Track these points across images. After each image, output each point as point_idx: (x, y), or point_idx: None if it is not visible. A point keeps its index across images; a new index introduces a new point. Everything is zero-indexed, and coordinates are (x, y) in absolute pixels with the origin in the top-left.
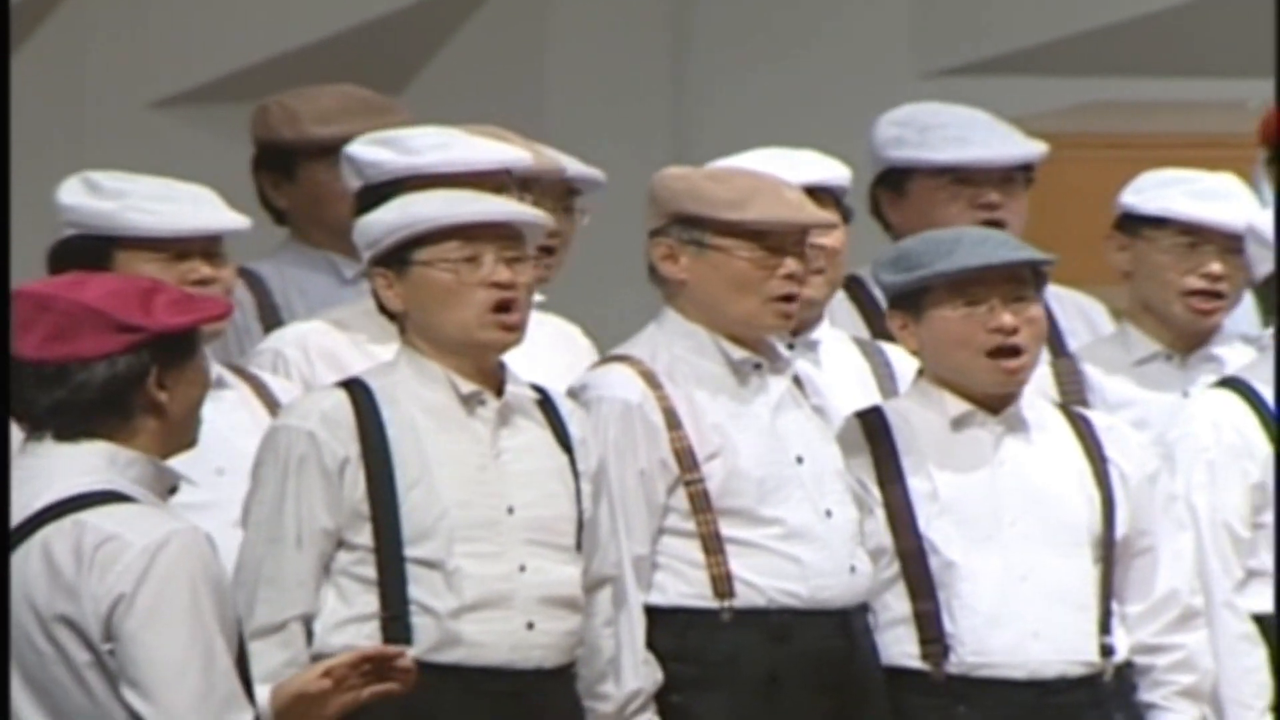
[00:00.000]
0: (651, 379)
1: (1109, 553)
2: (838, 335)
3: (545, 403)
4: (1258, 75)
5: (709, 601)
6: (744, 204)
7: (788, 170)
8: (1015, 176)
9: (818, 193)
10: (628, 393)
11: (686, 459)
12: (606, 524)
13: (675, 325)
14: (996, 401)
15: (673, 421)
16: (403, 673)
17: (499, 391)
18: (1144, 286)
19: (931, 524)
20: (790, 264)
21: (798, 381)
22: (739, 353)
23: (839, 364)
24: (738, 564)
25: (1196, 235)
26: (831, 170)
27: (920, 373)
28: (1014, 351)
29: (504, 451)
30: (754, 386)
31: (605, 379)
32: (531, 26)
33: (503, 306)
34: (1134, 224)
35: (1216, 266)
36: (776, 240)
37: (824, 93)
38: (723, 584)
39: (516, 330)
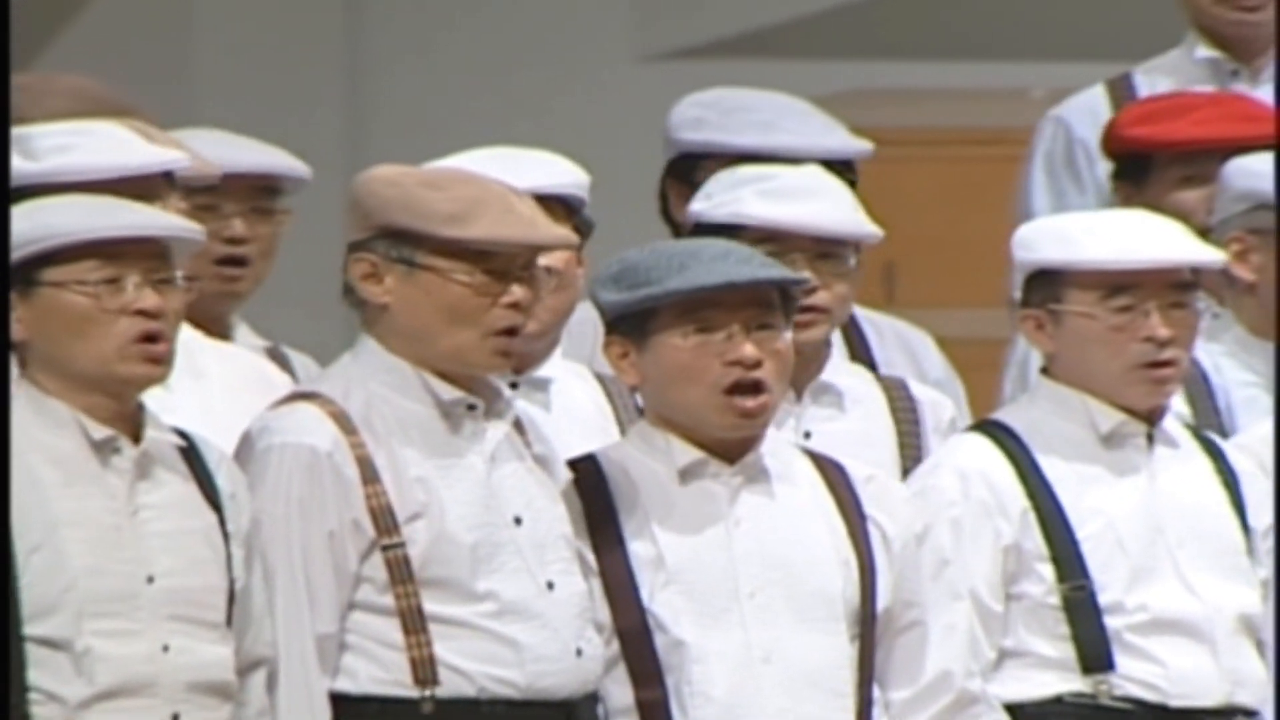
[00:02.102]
0: (344, 422)
1: (869, 628)
2: (575, 370)
3: (190, 450)
4: (1041, 59)
5: (408, 689)
6: (466, 218)
7: (512, 174)
8: (834, 171)
9: (549, 202)
10: (315, 438)
11: (384, 519)
12: (260, 595)
13: (374, 358)
14: (732, 448)
15: (369, 474)
16: None
17: (137, 437)
18: None
19: (656, 596)
20: (516, 291)
21: (519, 427)
22: (449, 392)
23: (574, 405)
24: (443, 646)
25: (777, 242)
26: (565, 175)
27: (641, 413)
28: (754, 388)
29: (142, 509)
30: (467, 433)
31: (288, 421)
32: None
33: (148, 337)
34: (706, 235)
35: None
36: (502, 263)
37: (520, 72)
38: (425, 669)
39: (163, 364)
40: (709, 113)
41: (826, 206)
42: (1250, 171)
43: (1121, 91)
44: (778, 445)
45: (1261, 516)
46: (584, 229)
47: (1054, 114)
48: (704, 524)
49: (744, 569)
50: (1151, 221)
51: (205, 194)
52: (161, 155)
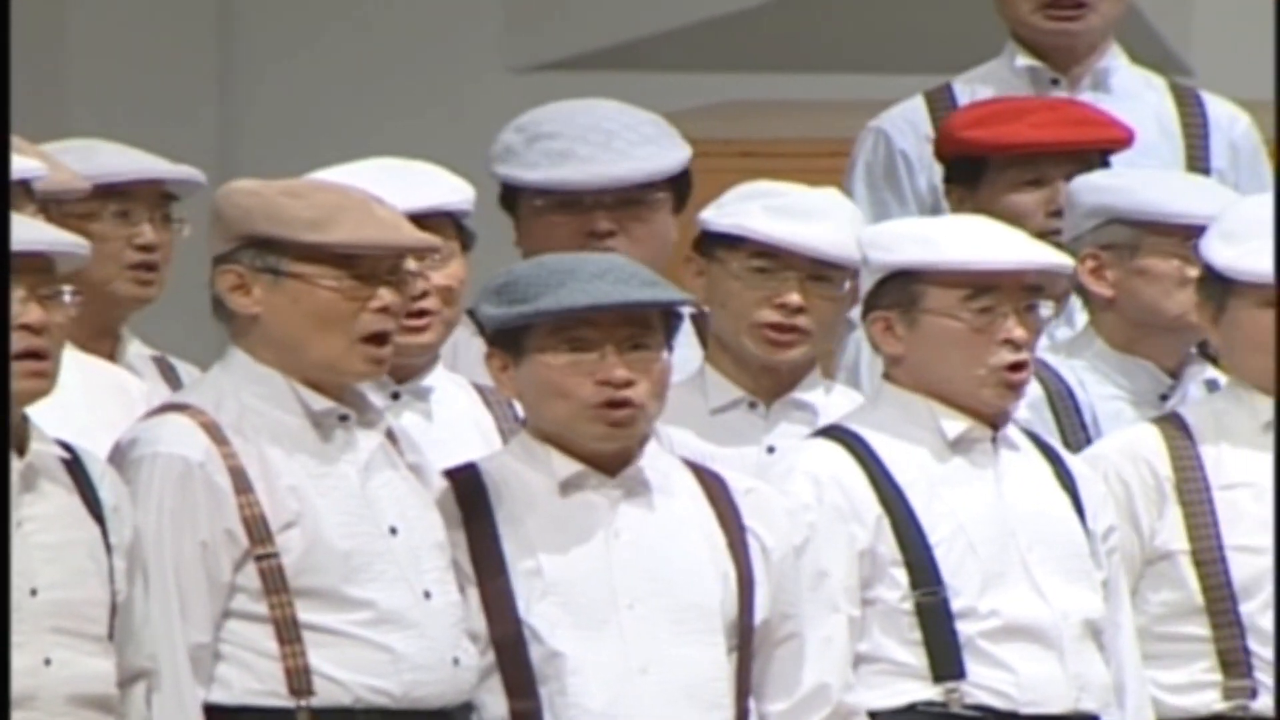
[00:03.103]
0: (216, 433)
1: (746, 640)
2: (457, 381)
3: (74, 463)
4: (912, 72)
5: (283, 699)
6: (327, 224)
7: (391, 190)
8: (641, 198)
9: (437, 217)
10: (187, 449)
11: (258, 529)
12: (142, 607)
13: (245, 369)
14: (612, 460)
15: (242, 484)
16: None
17: (21, 450)
18: (716, 318)
19: (533, 607)
20: (384, 295)
21: (391, 437)
22: (321, 402)
23: (455, 415)
24: (318, 655)
25: (774, 259)
26: (447, 190)
27: (524, 424)
28: (625, 406)
29: (26, 521)
30: (339, 443)
31: (159, 432)
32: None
33: (34, 353)
34: (710, 244)
35: (795, 297)
36: (369, 267)
37: (392, 81)
38: (300, 678)
39: (48, 378)
40: (517, 140)
41: (827, 229)
42: (1098, 187)
43: (941, 102)
44: (658, 458)
45: (1100, 519)
46: (468, 242)
47: (873, 125)
48: (583, 535)
49: (622, 580)
50: (999, 226)
51: (118, 200)
52: (17, 164)
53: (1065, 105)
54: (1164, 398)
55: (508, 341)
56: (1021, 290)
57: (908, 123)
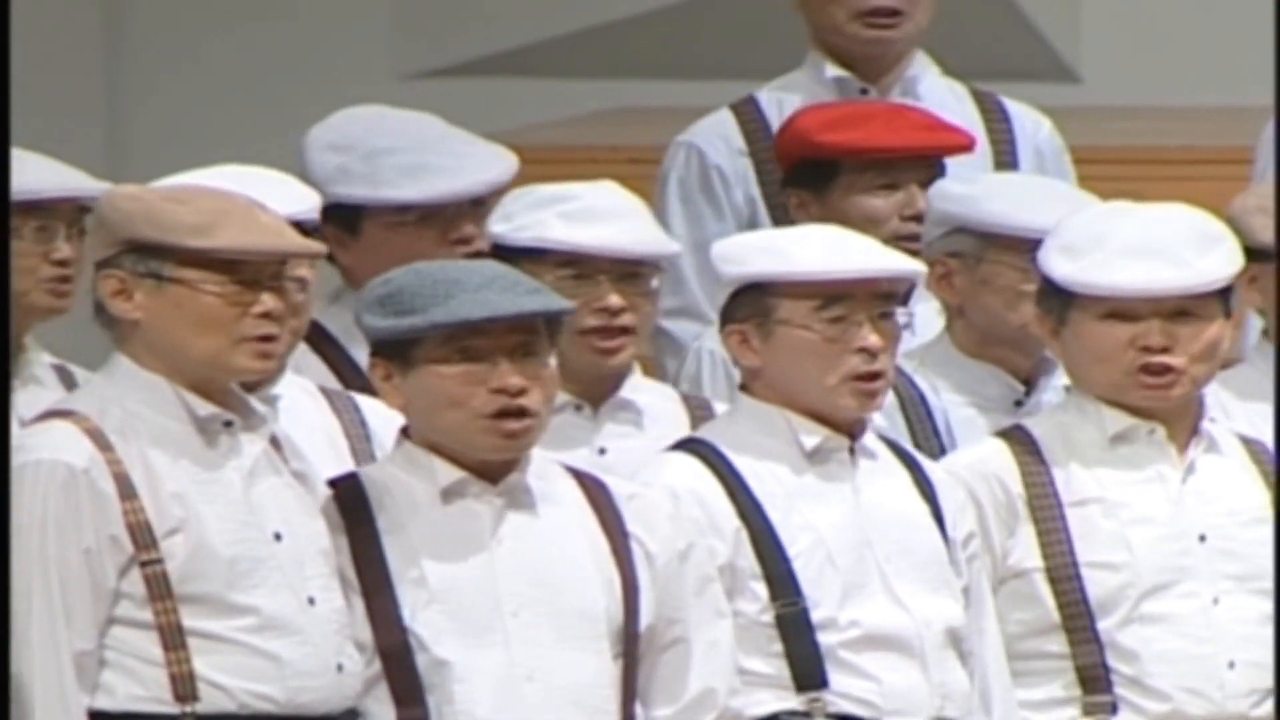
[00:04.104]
0: (100, 439)
1: (632, 646)
2: (304, 387)
3: None
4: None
5: (168, 706)
6: (210, 229)
7: (279, 195)
8: (493, 202)
9: (305, 223)
10: (71, 455)
11: (142, 535)
12: None
13: (128, 375)
14: (495, 468)
15: (126, 490)
16: None
17: None
18: None
19: (418, 615)
20: (267, 300)
21: (275, 443)
22: (205, 408)
23: (301, 421)
24: (203, 661)
25: (582, 265)
26: (295, 199)
27: (404, 433)
28: (519, 414)
29: None
30: (224, 449)
31: (43, 438)
32: None
33: None
34: (509, 256)
35: (614, 299)
36: (251, 272)
37: (281, 87)
38: (185, 685)
39: None
40: (350, 160)
41: (630, 227)
42: (947, 195)
43: (747, 114)
44: (541, 465)
45: (960, 527)
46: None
47: (684, 140)
48: (467, 543)
49: (507, 588)
50: (850, 235)
51: (37, 216)
52: None
53: (906, 111)
54: (1018, 404)
55: (393, 352)
56: (874, 298)
57: (719, 137)
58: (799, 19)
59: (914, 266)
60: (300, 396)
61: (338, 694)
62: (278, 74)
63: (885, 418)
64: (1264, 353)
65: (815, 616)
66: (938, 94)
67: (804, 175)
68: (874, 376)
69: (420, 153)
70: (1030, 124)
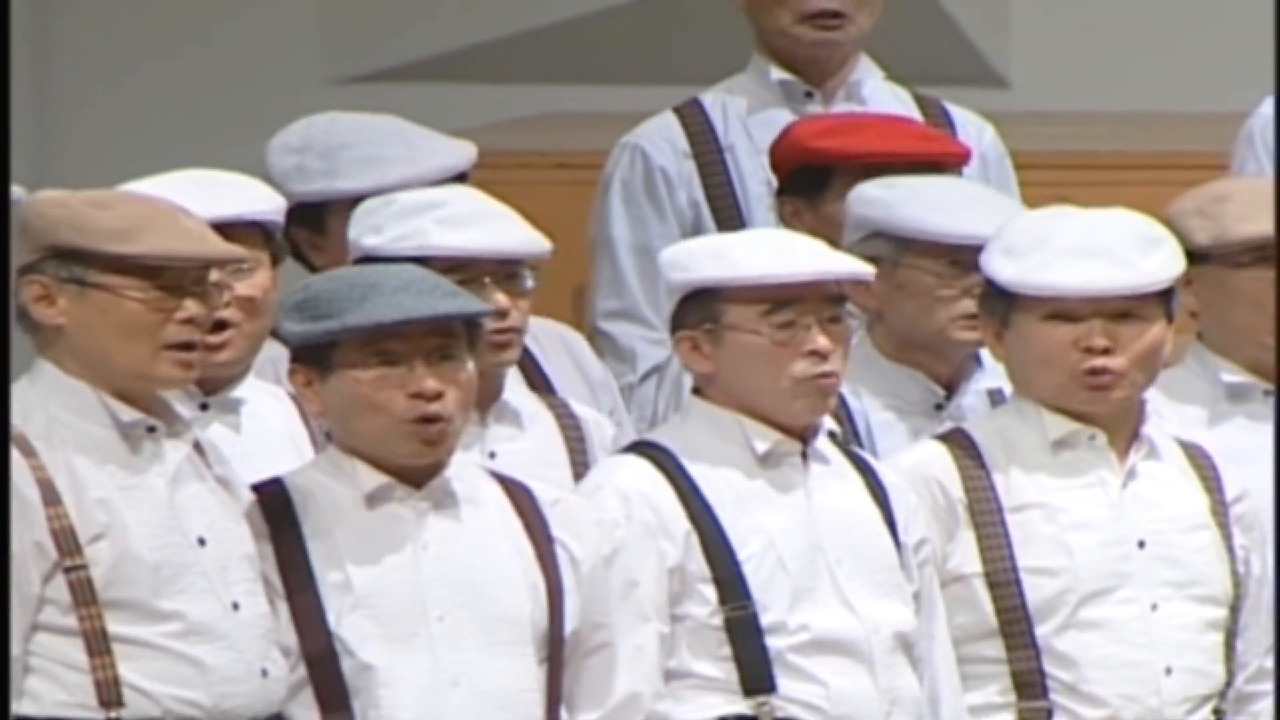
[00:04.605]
0: (24, 444)
1: (557, 650)
2: (272, 393)
3: None
4: None
5: (93, 712)
6: (133, 235)
7: (209, 199)
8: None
9: (245, 226)
10: None
11: (66, 541)
12: None
13: (52, 380)
14: (419, 473)
15: (50, 496)
16: None
17: None
18: None
19: (343, 620)
20: (190, 306)
21: (199, 448)
22: (129, 414)
23: (266, 426)
24: (128, 667)
25: (465, 269)
26: (262, 200)
27: (328, 437)
28: (436, 422)
29: None
30: (147, 454)
31: None
32: None
33: None
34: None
35: (501, 298)
36: (174, 278)
37: (213, 102)
38: (110, 690)
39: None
40: (307, 159)
41: (507, 227)
42: (864, 199)
43: (691, 117)
44: (465, 469)
45: (912, 531)
46: (280, 254)
47: (628, 142)
48: (391, 548)
49: (431, 592)
50: (797, 238)
51: None
52: None
53: (897, 120)
54: (939, 408)
55: (311, 357)
56: (823, 300)
57: (664, 139)
58: (738, 25)
59: (861, 268)
60: (266, 400)
61: (262, 699)
62: (206, 87)
63: None
64: (1196, 354)
65: (764, 620)
66: (882, 98)
67: (798, 183)
68: (824, 378)
69: (376, 146)
70: (974, 130)
